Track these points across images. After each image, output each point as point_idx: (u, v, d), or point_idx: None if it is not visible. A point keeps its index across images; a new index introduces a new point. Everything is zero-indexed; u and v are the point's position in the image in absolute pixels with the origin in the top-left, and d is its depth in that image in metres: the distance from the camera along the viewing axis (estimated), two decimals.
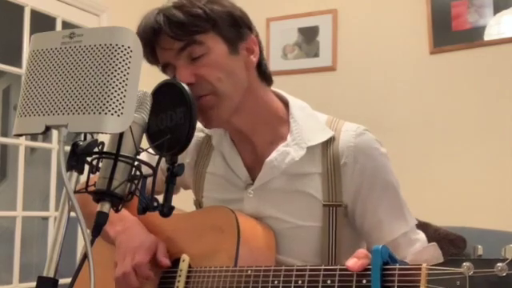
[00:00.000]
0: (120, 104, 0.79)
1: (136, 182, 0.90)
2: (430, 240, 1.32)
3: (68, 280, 0.85)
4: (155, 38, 1.23)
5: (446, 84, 3.12)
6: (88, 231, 0.82)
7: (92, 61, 0.80)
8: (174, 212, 0.99)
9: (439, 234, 1.97)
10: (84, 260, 0.82)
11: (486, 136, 2.98)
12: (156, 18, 1.22)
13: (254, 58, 1.29)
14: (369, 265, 1.01)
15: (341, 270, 1.05)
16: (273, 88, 1.38)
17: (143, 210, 0.94)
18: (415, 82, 3.20)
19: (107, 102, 0.78)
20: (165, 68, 1.28)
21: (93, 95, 0.79)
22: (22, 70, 3.19)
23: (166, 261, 1.30)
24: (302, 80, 3.43)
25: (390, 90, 3.24)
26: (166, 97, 1.08)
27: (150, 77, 1.23)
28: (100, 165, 0.88)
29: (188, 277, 1.27)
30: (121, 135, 0.88)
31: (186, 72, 1.21)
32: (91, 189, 0.87)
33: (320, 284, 1.06)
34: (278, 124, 1.33)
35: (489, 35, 3.01)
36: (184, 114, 1.05)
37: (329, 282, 1.05)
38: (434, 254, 1.24)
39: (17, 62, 3.28)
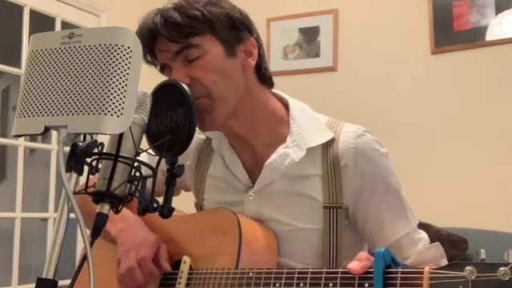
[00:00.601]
0: (120, 104, 0.78)
1: (136, 183, 0.90)
2: (431, 241, 1.31)
3: (67, 281, 0.85)
4: (153, 40, 1.23)
5: (447, 84, 3.11)
6: (88, 232, 0.81)
7: (91, 61, 0.80)
8: (175, 214, 0.99)
9: (441, 235, 1.97)
10: (83, 261, 0.81)
11: (487, 136, 2.98)
12: (154, 19, 1.22)
13: (252, 61, 1.28)
14: (370, 267, 1.01)
15: (343, 272, 1.04)
16: (273, 89, 1.37)
17: (143, 211, 0.93)
18: (416, 82, 3.20)
19: (107, 102, 0.78)
20: (162, 69, 1.28)
21: (92, 96, 0.79)
22: (21, 71, 3.19)
23: (166, 265, 1.30)
24: (302, 80, 3.43)
25: (391, 91, 3.24)
26: (165, 97, 1.08)
27: (149, 77, 1.23)
28: (99, 166, 0.88)
29: (189, 278, 1.27)
30: (120, 136, 0.88)
31: (180, 73, 1.21)
32: (91, 190, 0.87)
33: (322, 287, 1.06)
34: (277, 126, 1.33)
35: (491, 35, 3.01)
36: (184, 114, 1.05)
37: (331, 284, 1.05)
38: (437, 253, 1.23)
39: (16, 63, 3.28)
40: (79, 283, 0.83)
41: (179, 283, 1.27)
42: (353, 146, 1.28)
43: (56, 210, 2.75)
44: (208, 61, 1.22)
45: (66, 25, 3.34)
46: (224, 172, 1.37)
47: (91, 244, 0.82)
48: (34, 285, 0.80)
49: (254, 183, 1.33)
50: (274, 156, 1.29)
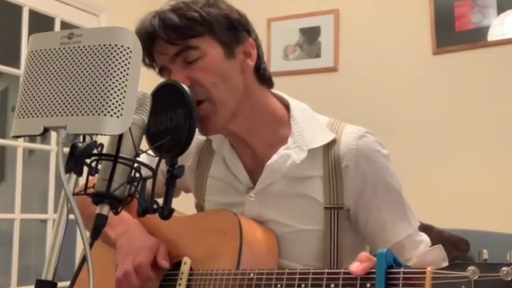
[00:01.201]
0: (119, 105, 0.78)
1: (135, 184, 0.90)
2: (433, 243, 1.31)
3: (67, 283, 0.84)
4: (151, 42, 1.23)
5: (448, 85, 3.11)
6: (87, 234, 0.81)
7: (91, 61, 0.80)
8: (175, 215, 0.99)
9: (442, 236, 1.97)
10: (83, 263, 0.81)
11: (489, 137, 2.97)
12: (152, 22, 1.22)
13: (251, 62, 1.28)
14: (372, 268, 1.01)
15: (344, 273, 1.04)
16: (273, 90, 1.37)
17: (143, 212, 0.93)
18: (418, 82, 3.19)
19: (106, 103, 0.78)
20: (161, 71, 1.28)
21: (92, 96, 0.78)
22: (20, 71, 3.18)
23: (164, 263, 1.29)
24: (303, 81, 3.43)
25: (392, 91, 3.23)
26: (165, 98, 1.08)
27: (149, 78, 1.23)
28: (99, 167, 0.87)
29: (189, 280, 1.26)
30: (120, 136, 0.87)
31: (180, 76, 1.21)
32: (90, 191, 0.87)
33: (323, 287, 1.05)
34: (277, 126, 1.33)
35: (492, 36, 3.01)
36: (184, 115, 1.05)
37: (332, 285, 1.05)
38: (438, 256, 1.24)
39: (15, 63, 3.28)
40: (79, 285, 0.83)
41: (179, 284, 1.26)
42: (354, 147, 1.28)
43: (55, 211, 2.74)
44: (208, 62, 1.22)
45: (65, 25, 3.34)
46: (225, 173, 1.36)
47: (91, 245, 0.82)
48: (33, 286, 0.79)
49: (254, 184, 1.32)
50: (275, 157, 1.29)
